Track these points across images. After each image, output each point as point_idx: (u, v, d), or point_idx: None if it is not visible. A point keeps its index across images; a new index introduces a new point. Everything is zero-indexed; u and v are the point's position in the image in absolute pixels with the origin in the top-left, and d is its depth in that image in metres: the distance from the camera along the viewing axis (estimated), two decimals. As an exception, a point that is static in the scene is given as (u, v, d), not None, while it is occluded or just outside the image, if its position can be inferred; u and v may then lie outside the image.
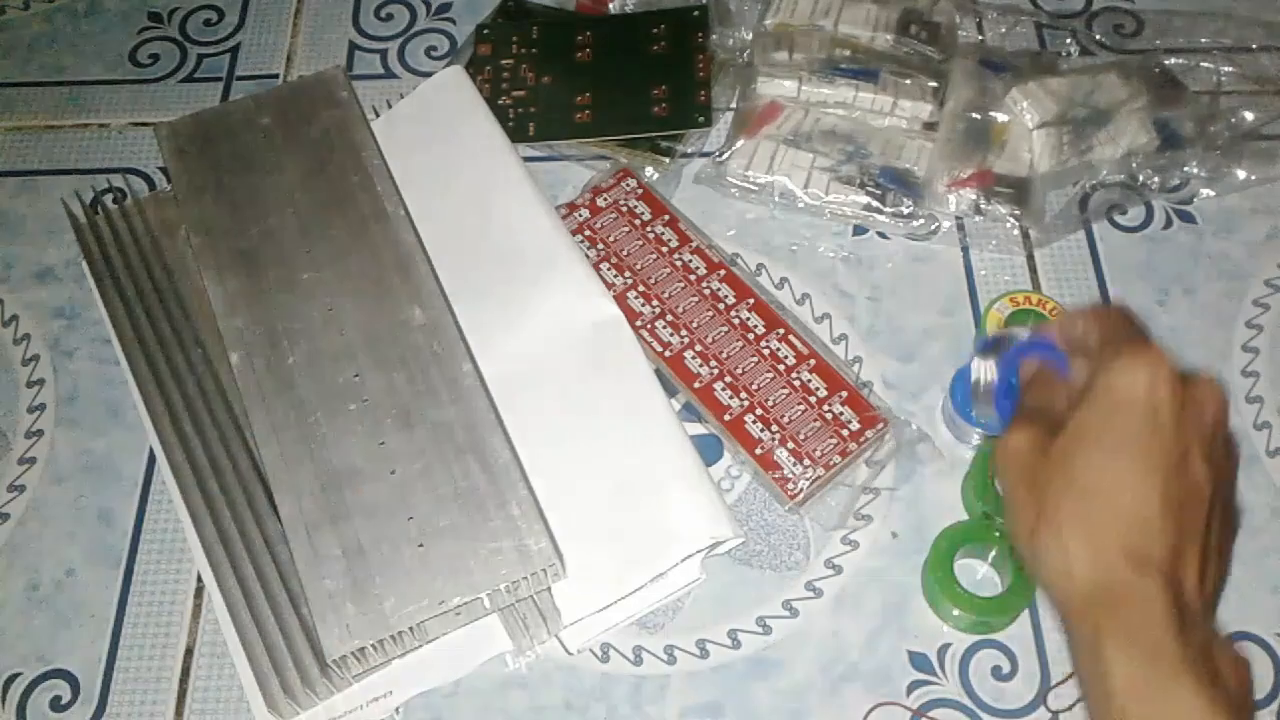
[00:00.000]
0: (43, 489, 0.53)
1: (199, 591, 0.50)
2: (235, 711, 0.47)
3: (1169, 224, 0.58)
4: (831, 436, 0.50)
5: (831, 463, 0.49)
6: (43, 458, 0.54)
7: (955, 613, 0.47)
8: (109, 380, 0.56)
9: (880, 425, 0.50)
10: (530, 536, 0.45)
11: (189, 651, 0.49)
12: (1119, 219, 0.58)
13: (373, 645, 0.43)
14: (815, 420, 0.50)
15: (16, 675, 0.49)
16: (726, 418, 0.51)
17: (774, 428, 0.50)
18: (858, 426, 0.50)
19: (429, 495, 0.46)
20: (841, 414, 0.50)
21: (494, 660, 0.48)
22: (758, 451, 0.50)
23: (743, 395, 0.51)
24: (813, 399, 0.51)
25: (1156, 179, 0.58)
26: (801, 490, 0.49)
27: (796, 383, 0.51)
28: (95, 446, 0.54)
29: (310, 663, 0.46)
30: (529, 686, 0.48)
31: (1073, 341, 0.39)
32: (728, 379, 0.52)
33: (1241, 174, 0.58)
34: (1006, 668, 0.47)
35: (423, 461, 0.47)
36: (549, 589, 0.46)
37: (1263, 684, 0.47)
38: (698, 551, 0.47)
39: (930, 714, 0.46)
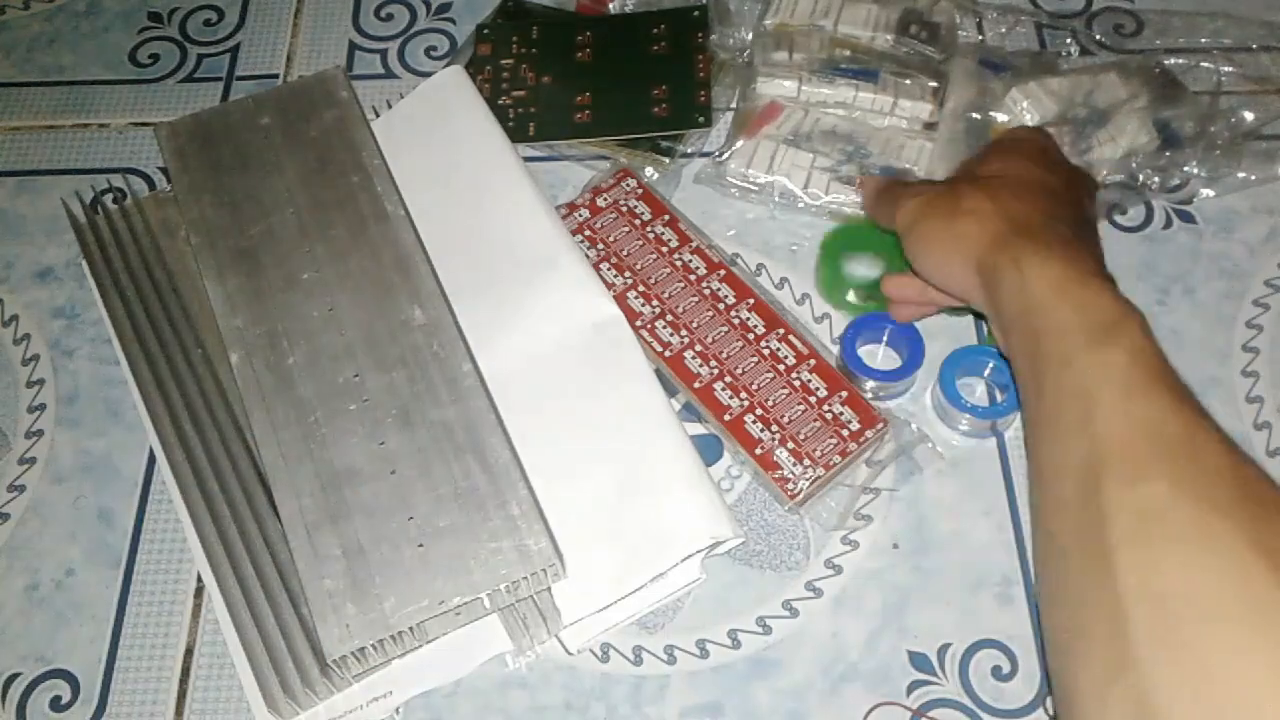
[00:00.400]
0: (43, 489, 0.53)
1: (199, 591, 0.50)
2: (235, 711, 0.47)
3: (1169, 224, 0.58)
4: (831, 436, 0.50)
5: (831, 463, 0.49)
6: (43, 458, 0.54)
7: (849, 297, 0.55)
8: (109, 380, 0.56)
9: (880, 425, 0.50)
10: (530, 536, 0.45)
11: (189, 651, 0.49)
12: (1119, 219, 0.58)
13: (373, 645, 0.43)
14: (815, 420, 0.50)
15: (16, 675, 0.49)
16: (726, 418, 0.51)
17: (774, 428, 0.50)
18: (858, 426, 0.50)
19: (429, 495, 0.46)
20: (841, 414, 0.50)
21: (494, 660, 0.48)
22: (758, 451, 0.50)
23: (743, 395, 0.51)
24: (813, 399, 0.51)
25: (1156, 179, 0.58)
26: (801, 490, 0.49)
27: (796, 383, 0.51)
28: (95, 446, 0.54)
29: (310, 663, 0.46)
30: (529, 686, 0.48)
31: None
32: (728, 379, 0.52)
33: (1241, 174, 0.58)
34: (1006, 668, 0.47)
35: (423, 461, 0.47)
36: (549, 589, 0.46)
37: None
38: (698, 551, 0.47)
39: (930, 714, 0.46)
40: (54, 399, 0.56)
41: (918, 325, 0.53)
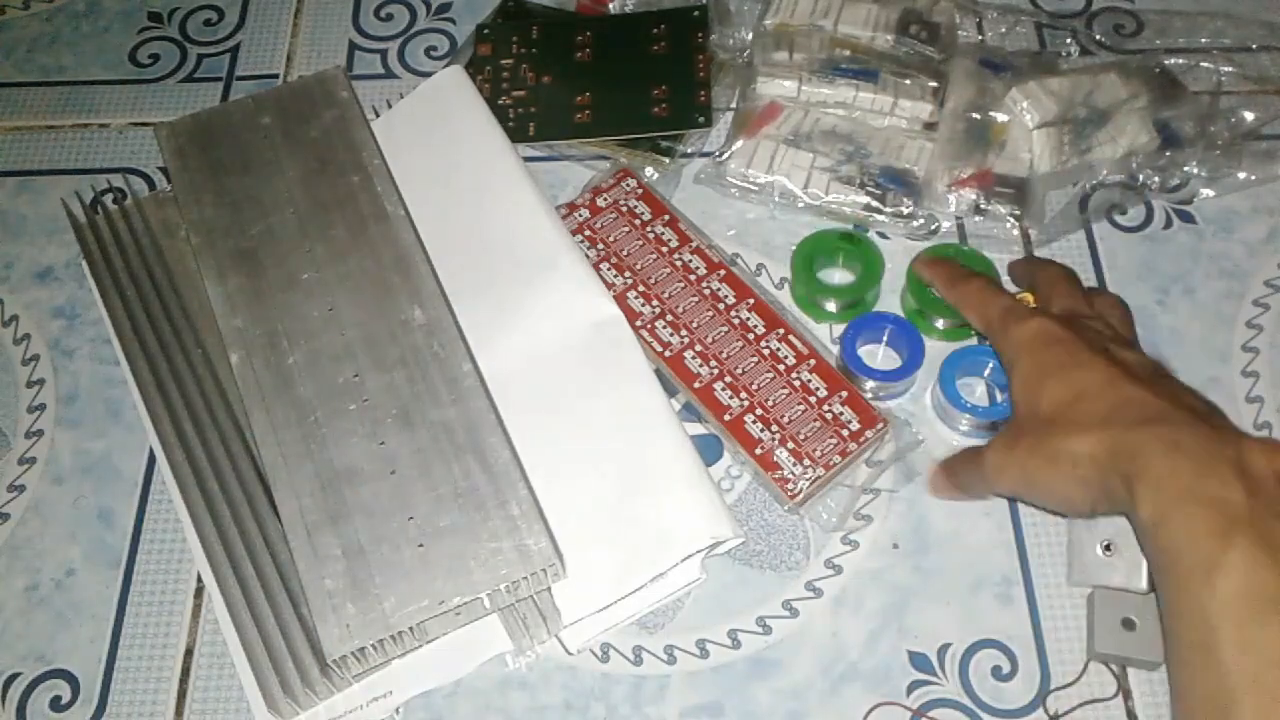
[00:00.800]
0: (43, 489, 0.53)
1: (199, 591, 0.50)
2: (235, 711, 0.47)
3: (1169, 224, 0.58)
4: (831, 436, 0.50)
5: (831, 463, 0.49)
6: (43, 458, 0.54)
7: (830, 307, 0.55)
8: (109, 380, 0.56)
9: (880, 425, 0.50)
10: (530, 536, 0.45)
11: (189, 651, 0.49)
12: (1119, 219, 0.58)
13: (373, 645, 0.43)
14: (815, 420, 0.50)
15: (16, 675, 0.49)
16: (726, 418, 0.51)
17: (774, 428, 0.50)
18: (858, 426, 0.50)
19: (429, 495, 0.46)
20: (841, 414, 0.50)
21: (494, 660, 0.48)
22: (757, 451, 0.50)
23: (742, 395, 0.51)
24: (813, 399, 0.51)
25: (1156, 179, 0.58)
26: (801, 490, 0.49)
27: (796, 383, 0.51)
28: (95, 446, 0.54)
29: (310, 663, 0.46)
30: (529, 686, 0.48)
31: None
32: (727, 379, 0.52)
33: (1241, 174, 0.58)
34: (1006, 668, 0.47)
35: (422, 461, 0.47)
36: (549, 589, 0.46)
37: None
38: (698, 551, 0.47)
39: (930, 714, 0.46)
40: (54, 399, 0.56)
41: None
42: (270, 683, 0.46)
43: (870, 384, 0.52)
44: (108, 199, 0.61)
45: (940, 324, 0.54)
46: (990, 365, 0.53)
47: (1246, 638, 0.34)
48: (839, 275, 0.57)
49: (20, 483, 0.53)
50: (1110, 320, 0.47)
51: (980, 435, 0.52)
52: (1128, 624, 0.46)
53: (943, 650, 0.48)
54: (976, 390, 0.53)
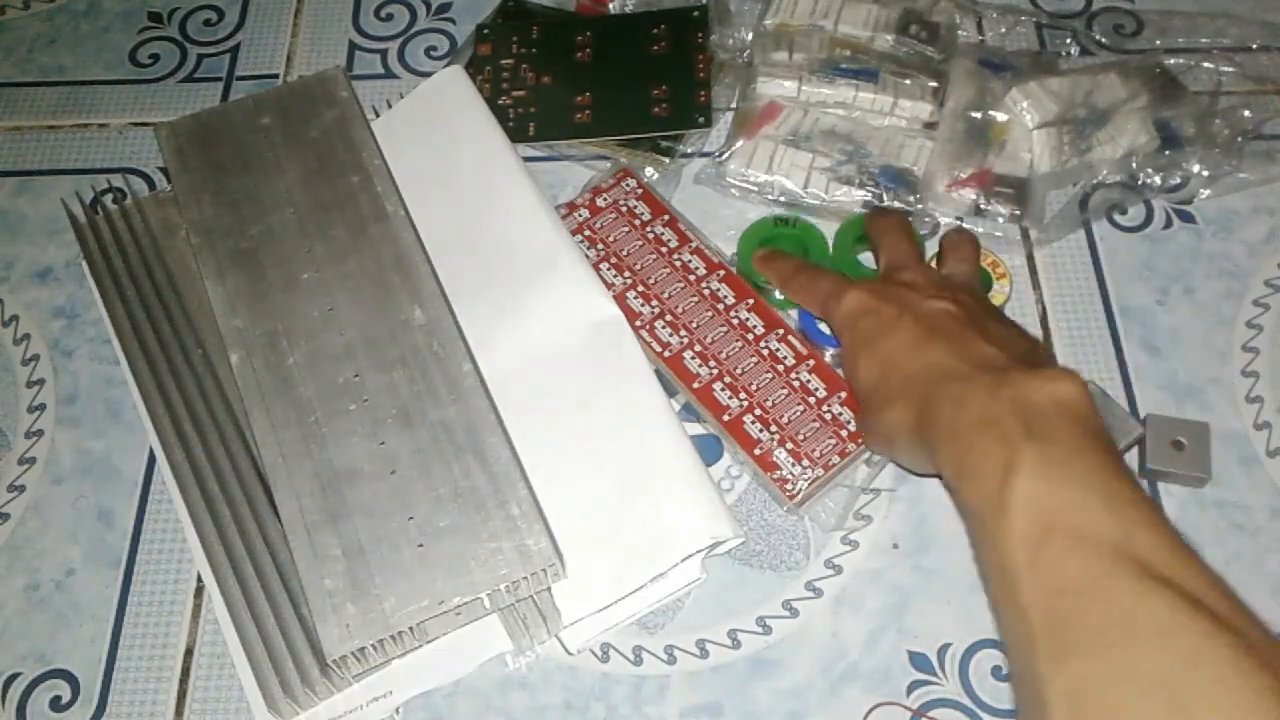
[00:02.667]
0: (43, 489, 0.53)
1: (199, 591, 0.50)
2: (235, 711, 0.47)
3: (1169, 224, 0.58)
4: (831, 437, 0.50)
5: (831, 463, 0.49)
6: (43, 458, 0.54)
7: (778, 294, 0.55)
8: (109, 380, 0.56)
9: (880, 425, 0.50)
10: (530, 536, 0.45)
11: (189, 651, 0.49)
12: (1119, 219, 0.58)
13: (373, 645, 0.43)
14: (814, 420, 0.50)
15: (16, 675, 0.49)
16: (725, 418, 0.51)
17: (773, 428, 0.50)
18: (857, 427, 0.50)
19: (429, 495, 0.46)
20: (841, 414, 0.50)
21: (494, 660, 0.48)
22: (757, 452, 0.50)
23: (742, 395, 0.51)
24: (812, 399, 0.51)
25: (1156, 179, 0.58)
26: (800, 491, 0.49)
27: (796, 383, 0.51)
28: (95, 446, 0.54)
29: (310, 663, 0.46)
30: (529, 686, 0.48)
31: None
32: (727, 379, 0.52)
33: (1241, 174, 0.58)
34: (1006, 668, 0.47)
35: (423, 461, 0.47)
36: (549, 589, 0.46)
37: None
38: (698, 551, 0.47)
39: (930, 714, 0.46)
40: (54, 399, 0.56)
41: None
42: (270, 683, 0.46)
43: (830, 352, 0.52)
44: (108, 199, 0.61)
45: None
46: None
47: (1034, 577, 0.34)
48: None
49: (20, 483, 0.53)
50: (954, 259, 0.50)
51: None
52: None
53: (943, 650, 0.48)
54: None
